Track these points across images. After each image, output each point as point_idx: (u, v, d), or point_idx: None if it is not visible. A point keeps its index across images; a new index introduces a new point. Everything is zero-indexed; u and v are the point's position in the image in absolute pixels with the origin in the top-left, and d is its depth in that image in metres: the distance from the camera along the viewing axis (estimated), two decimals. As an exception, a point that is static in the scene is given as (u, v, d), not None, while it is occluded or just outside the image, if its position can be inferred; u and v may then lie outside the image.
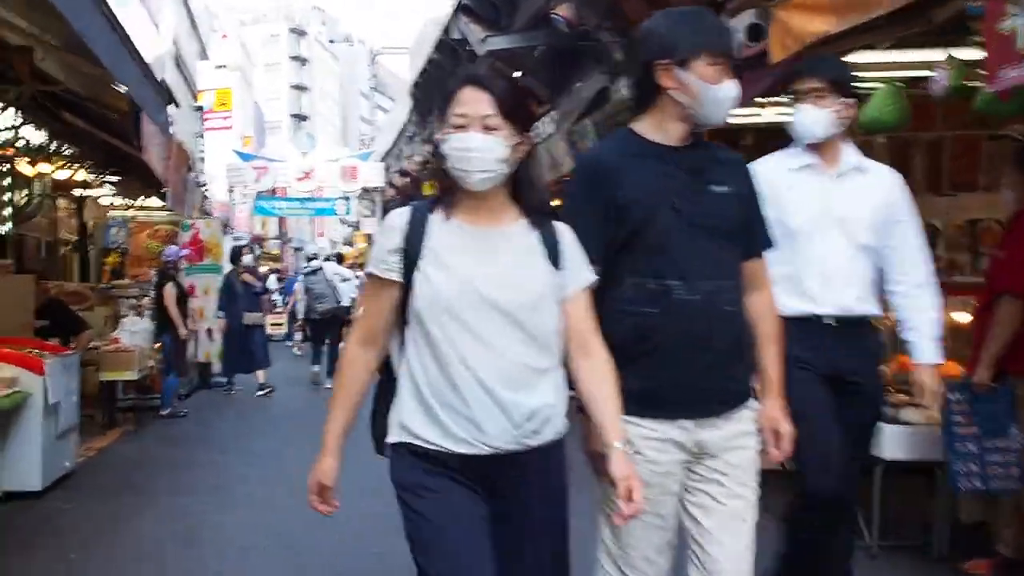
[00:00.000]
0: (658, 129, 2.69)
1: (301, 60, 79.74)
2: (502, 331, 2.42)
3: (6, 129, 9.50)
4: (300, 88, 78.99)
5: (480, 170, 2.42)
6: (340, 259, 19.28)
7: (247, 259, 13.66)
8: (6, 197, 10.97)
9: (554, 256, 2.51)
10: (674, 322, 2.61)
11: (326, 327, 13.93)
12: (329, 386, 13.33)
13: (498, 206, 2.53)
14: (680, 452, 2.66)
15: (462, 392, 2.41)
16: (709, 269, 2.64)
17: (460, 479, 2.45)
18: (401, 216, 2.54)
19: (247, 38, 55.22)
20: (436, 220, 2.51)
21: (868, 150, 4.12)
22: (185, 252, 12.05)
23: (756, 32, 5.75)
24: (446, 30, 22.72)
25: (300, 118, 73.91)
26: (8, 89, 8.23)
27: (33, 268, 12.80)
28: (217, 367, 13.58)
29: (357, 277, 15.10)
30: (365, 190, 36.41)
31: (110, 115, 8.80)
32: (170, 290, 10.92)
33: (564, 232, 2.56)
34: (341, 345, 13.71)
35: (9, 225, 11.12)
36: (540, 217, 2.55)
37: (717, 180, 2.69)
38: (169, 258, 11.51)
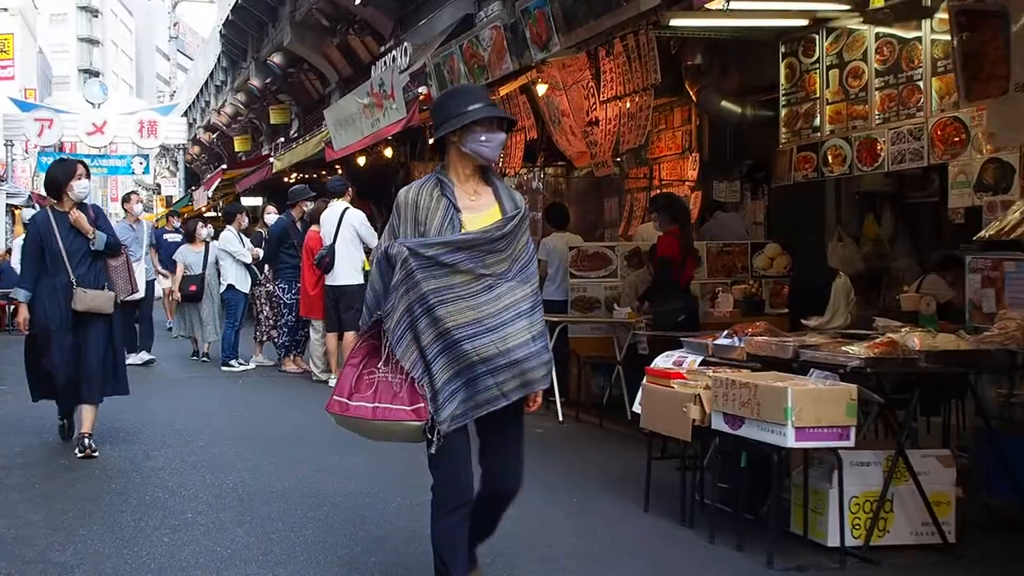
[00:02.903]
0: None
1: (92, 11, 74.53)
2: None
3: None
4: (91, 41, 73.79)
5: None
6: None
7: None
8: None
9: None
10: None
11: None
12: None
13: None
14: None
15: None
16: None
17: None
18: None
19: (30, -18, 50.42)
20: None
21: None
22: None
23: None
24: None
25: (91, 73, 68.77)
26: None
27: None
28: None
29: None
30: (165, 148, 33.49)
31: None
32: None
33: None
34: None
35: None
36: None
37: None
38: None
